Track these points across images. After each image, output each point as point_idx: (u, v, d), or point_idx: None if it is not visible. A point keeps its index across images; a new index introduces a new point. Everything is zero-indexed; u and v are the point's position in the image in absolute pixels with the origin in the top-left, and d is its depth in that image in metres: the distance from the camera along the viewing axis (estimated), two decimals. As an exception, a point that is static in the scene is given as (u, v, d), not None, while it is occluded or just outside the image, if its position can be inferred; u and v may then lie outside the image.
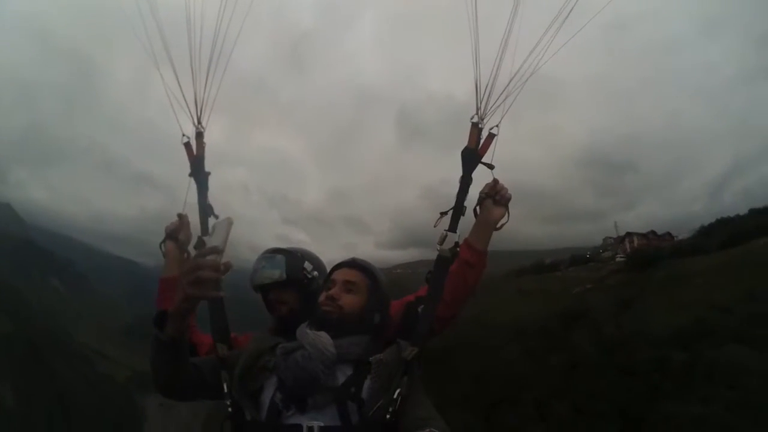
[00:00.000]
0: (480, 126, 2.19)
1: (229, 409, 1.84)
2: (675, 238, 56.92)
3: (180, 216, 2.56)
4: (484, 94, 2.17)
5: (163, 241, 2.57)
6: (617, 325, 27.51)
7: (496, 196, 2.24)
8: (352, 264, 2.16)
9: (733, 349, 20.49)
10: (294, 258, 2.53)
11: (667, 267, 34.65)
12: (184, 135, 2.44)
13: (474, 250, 2.26)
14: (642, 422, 19.96)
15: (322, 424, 1.69)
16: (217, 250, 1.55)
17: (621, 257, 50.63)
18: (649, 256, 40.48)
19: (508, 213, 2.27)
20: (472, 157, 2.19)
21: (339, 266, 2.18)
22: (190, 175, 2.40)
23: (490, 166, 2.20)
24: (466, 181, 2.18)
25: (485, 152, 2.19)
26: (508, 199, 2.26)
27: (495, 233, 2.27)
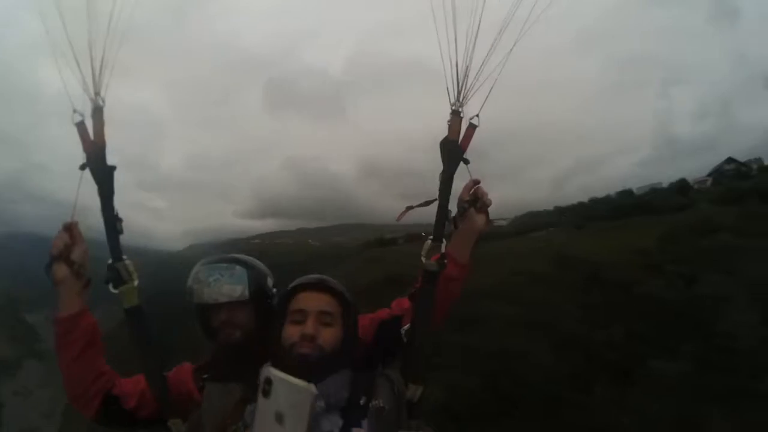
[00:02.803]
0: (461, 115, 1.87)
1: None
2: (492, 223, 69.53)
3: (68, 226, 1.82)
4: (464, 78, 1.85)
5: (49, 266, 1.80)
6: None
7: (477, 203, 1.96)
8: (323, 287, 1.72)
9: (489, 301, 29.76)
10: (256, 272, 2.05)
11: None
12: (75, 111, 1.77)
13: (458, 264, 1.97)
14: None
15: None
16: None
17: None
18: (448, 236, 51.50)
19: (488, 219, 2.01)
20: (454, 151, 1.88)
21: (302, 288, 1.73)
22: (84, 168, 1.79)
23: (466, 161, 1.92)
24: (448, 180, 1.89)
25: (467, 145, 1.90)
26: (489, 205, 1.98)
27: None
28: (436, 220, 1.92)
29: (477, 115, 1.92)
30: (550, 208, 63.44)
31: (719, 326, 20.62)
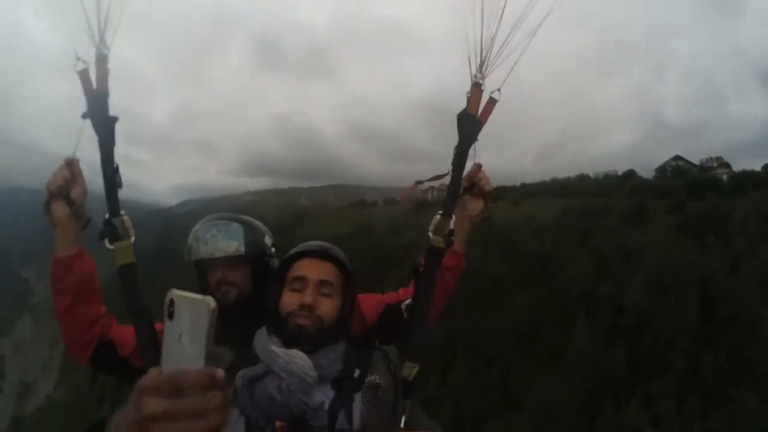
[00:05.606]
0: (482, 88, 1.81)
1: None
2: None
3: (69, 162, 1.78)
4: (487, 49, 1.76)
5: (48, 203, 1.77)
6: (381, 238, 44.22)
7: (473, 188, 1.96)
8: (324, 255, 1.66)
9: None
10: (253, 229, 2.12)
11: (427, 210, 52.31)
12: (79, 59, 1.70)
13: (454, 252, 2.01)
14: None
15: None
16: (212, 379, 0.84)
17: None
18: (418, 202, 57.67)
19: (487, 205, 1.99)
20: (472, 124, 1.82)
21: (302, 254, 1.67)
22: (85, 117, 1.73)
23: (475, 139, 1.84)
24: (463, 155, 1.84)
25: (486, 120, 1.85)
26: (488, 192, 1.98)
27: None
28: (447, 195, 1.86)
29: (498, 89, 1.81)
30: (533, 182, 67.38)
31: (559, 279, 28.19)
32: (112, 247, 1.74)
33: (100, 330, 1.91)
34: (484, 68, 1.80)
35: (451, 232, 1.85)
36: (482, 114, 1.85)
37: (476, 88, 1.82)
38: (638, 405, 21.31)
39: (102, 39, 1.69)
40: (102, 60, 1.71)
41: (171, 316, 0.90)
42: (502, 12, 1.70)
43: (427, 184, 2.05)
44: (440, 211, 1.87)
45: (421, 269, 1.86)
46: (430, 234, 1.83)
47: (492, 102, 1.84)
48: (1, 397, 59.97)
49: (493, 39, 1.74)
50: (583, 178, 61.36)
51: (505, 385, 24.01)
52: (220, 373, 0.82)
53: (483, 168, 1.98)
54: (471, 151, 1.86)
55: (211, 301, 0.87)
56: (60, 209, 1.77)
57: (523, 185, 64.19)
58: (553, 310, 26.49)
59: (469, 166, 1.93)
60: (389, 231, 47.78)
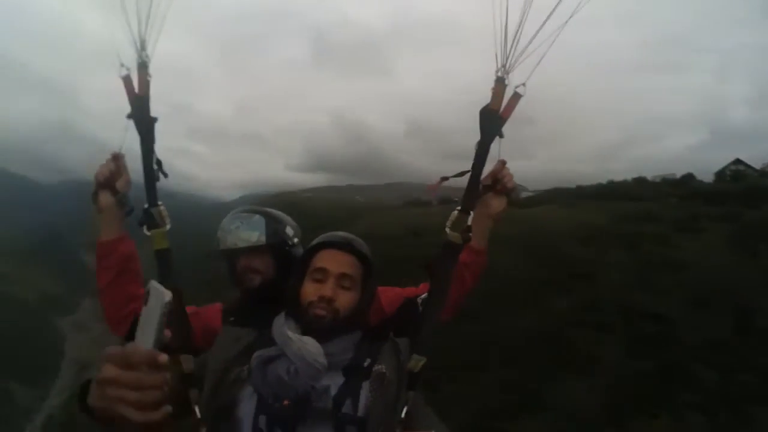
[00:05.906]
0: (506, 83, 1.75)
1: None
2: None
3: (115, 156, 1.91)
4: (512, 44, 1.70)
5: (95, 193, 1.93)
6: (431, 238, 44.67)
7: (497, 185, 1.90)
8: (347, 247, 1.69)
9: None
10: (274, 220, 2.26)
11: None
12: (122, 65, 1.81)
13: (472, 249, 1.97)
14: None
15: None
16: (155, 360, 0.94)
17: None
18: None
19: (509, 202, 1.95)
20: (494, 120, 1.76)
21: (326, 245, 1.70)
22: (129, 117, 1.83)
23: (501, 135, 1.78)
24: (484, 150, 1.78)
25: (509, 115, 1.78)
26: (511, 189, 1.93)
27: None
28: (466, 191, 1.80)
29: (523, 84, 1.75)
30: (589, 184, 63.95)
31: (598, 285, 28.65)
32: (149, 233, 1.82)
33: (137, 308, 1.88)
34: (507, 63, 1.74)
35: (469, 229, 1.78)
36: (505, 109, 1.78)
37: (499, 83, 1.76)
38: (667, 414, 21.33)
39: (143, 46, 1.78)
40: (143, 67, 1.80)
41: (146, 302, 1.02)
42: (527, 5, 1.67)
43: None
44: (458, 207, 1.80)
45: (433, 263, 1.82)
46: (447, 230, 1.77)
47: (516, 97, 1.78)
48: (60, 375, 60.60)
49: (517, 33, 1.70)
50: (639, 181, 58.78)
51: (534, 387, 24.14)
52: (163, 357, 0.94)
53: (507, 165, 1.91)
54: (496, 148, 1.80)
55: (167, 295, 0.99)
56: (105, 198, 1.91)
57: (579, 187, 61.63)
58: (588, 316, 26.71)
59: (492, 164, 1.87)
60: (441, 230, 48.52)
